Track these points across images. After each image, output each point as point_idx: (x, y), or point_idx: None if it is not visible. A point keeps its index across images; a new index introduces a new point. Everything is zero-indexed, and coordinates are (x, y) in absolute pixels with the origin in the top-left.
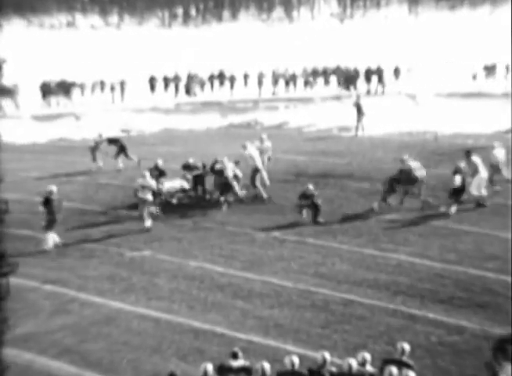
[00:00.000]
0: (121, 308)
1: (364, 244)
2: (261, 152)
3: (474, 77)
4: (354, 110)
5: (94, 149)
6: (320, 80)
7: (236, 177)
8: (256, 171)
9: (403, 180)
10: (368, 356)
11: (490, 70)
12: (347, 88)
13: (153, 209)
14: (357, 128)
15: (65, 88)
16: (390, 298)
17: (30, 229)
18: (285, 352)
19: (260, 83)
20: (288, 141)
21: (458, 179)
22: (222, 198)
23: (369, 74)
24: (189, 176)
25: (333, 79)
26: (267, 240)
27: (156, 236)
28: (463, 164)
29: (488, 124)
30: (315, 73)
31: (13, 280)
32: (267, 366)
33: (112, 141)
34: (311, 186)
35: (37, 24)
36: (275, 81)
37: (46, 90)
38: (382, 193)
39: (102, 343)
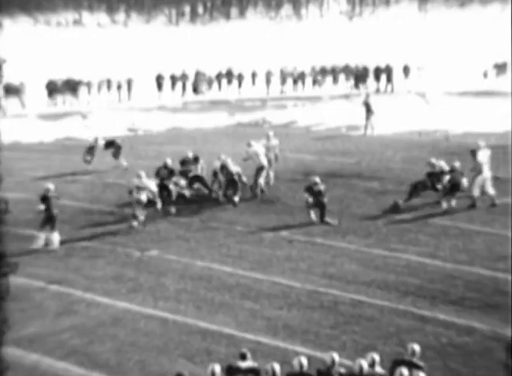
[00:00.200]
0: (128, 308)
1: (373, 244)
2: (268, 149)
3: (485, 75)
4: (363, 109)
5: (88, 152)
6: (329, 78)
7: (239, 177)
8: (261, 168)
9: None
10: (377, 357)
11: (501, 68)
12: (357, 86)
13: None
14: (366, 127)
15: (71, 86)
16: (399, 298)
17: (36, 229)
18: (293, 353)
19: (268, 81)
20: (296, 140)
21: (447, 178)
22: (236, 198)
23: (378, 73)
24: (183, 182)
25: (342, 78)
26: (275, 240)
27: (164, 236)
28: (458, 164)
29: (499, 123)
30: (323, 71)
31: (19, 280)
32: (277, 367)
33: (108, 144)
34: (317, 179)
35: (44, 22)
36: (284, 80)
37: (52, 88)
38: (407, 196)
39: (109, 344)
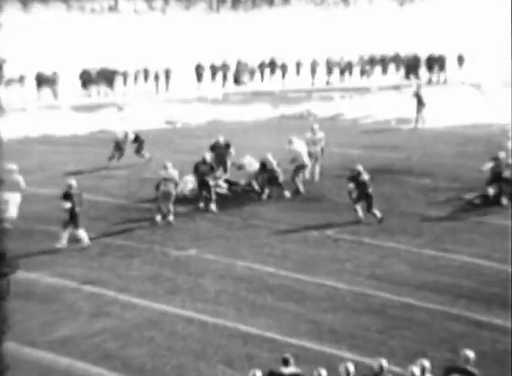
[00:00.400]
0: (165, 310)
1: (424, 244)
2: (314, 143)
3: None
4: (414, 101)
5: (117, 146)
6: (378, 68)
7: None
8: (302, 167)
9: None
10: (427, 364)
11: None
12: (407, 76)
13: (213, 206)
14: (417, 120)
15: (106, 76)
16: (452, 302)
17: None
18: (339, 359)
19: (313, 72)
20: (343, 134)
21: (487, 165)
22: (267, 191)
23: (430, 62)
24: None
25: (392, 67)
26: (320, 239)
27: (203, 235)
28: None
29: None
30: (372, 61)
31: (50, 280)
32: (324, 373)
33: (136, 139)
34: (360, 167)
35: (78, 8)
36: (330, 70)
37: (87, 79)
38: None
39: (144, 348)
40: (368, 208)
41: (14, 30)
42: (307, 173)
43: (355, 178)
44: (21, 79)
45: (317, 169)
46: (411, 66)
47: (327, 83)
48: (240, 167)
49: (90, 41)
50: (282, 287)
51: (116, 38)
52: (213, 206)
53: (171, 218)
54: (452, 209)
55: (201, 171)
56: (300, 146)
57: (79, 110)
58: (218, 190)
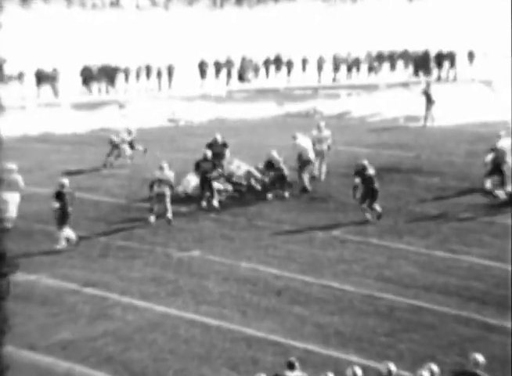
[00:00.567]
0: (168, 313)
1: (433, 246)
2: (320, 141)
3: None
4: (423, 98)
5: (116, 145)
6: (386, 65)
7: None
8: (307, 162)
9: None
10: (436, 368)
11: None
12: (416, 73)
13: (215, 203)
14: (426, 118)
15: (108, 73)
16: (462, 304)
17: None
18: (346, 363)
19: (320, 68)
20: (350, 132)
21: (488, 157)
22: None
23: (440, 59)
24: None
25: (401, 64)
26: (326, 239)
27: (206, 235)
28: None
29: None
30: (380, 57)
31: (50, 282)
32: None
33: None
34: (366, 162)
35: (78, 3)
36: (337, 67)
37: (87, 75)
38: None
39: (146, 351)
40: (370, 203)
41: (13, 26)
42: (315, 171)
43: (360, 172)
44: (20, 76)
45: (323, 168)
46: (420, 63)
47: (334, 80)
48: (230, 175)
49: (91, 38)
50: (287, 289)
51: (117, 34)
52: (215, 202)
53: (169, 215)
54: (461, 209)
55: (203, 169)
56: (304, 142)
57: (80, 108)
58: (226, 188)
